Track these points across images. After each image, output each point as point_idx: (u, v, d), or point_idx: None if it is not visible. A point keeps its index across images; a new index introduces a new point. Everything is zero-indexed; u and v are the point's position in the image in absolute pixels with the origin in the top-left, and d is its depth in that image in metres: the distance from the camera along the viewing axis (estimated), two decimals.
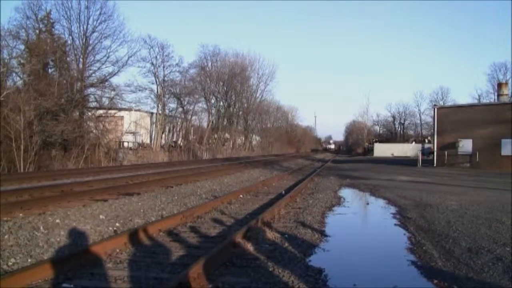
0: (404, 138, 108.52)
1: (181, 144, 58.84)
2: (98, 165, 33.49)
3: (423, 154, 47.88)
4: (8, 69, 32.58)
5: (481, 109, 40.59)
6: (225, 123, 74.99)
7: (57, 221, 9.05)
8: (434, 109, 42.23)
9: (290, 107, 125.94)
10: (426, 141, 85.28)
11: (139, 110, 53.58)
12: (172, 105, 58.86)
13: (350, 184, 20.98)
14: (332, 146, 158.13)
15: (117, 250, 6.93)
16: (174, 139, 60.35)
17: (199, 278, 5.33)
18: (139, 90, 49.49)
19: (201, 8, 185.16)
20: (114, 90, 42.39)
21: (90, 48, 41.08)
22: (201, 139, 64.60)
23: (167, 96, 56.17)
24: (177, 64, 56.74)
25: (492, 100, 75.06)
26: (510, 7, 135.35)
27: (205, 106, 68.45)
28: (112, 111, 42.99)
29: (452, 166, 37.50)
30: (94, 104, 41.80)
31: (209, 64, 72.92)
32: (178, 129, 61.95)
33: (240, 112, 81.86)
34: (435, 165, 39.58)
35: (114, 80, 63.41)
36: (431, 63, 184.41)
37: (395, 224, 10.36)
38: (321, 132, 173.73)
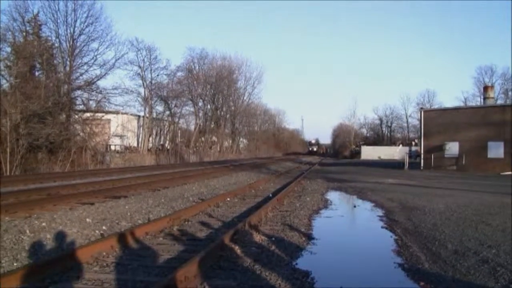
0: (391, 141, 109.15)
1: (168, 147, 58.69)
2: (85, 168, 33.25)
3: (410, 157, 48.18)
4: None
5: (467, 112, 40.94)
6: (212, 126, 74.94)
7: (43, 224, 8.98)
8: (421, 112, 42.53)
9: (277, 110, 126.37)
10: (413, 144, 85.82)
11: (126, 113, 53.38)
12: (160, 108, 58.86)
13: (337, 187, 21.04)
14: (315, 148, 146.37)
15: (104, 254, 6.90)
16: (161, 142, 60.20)
17: (186, 281, 5.33)
18: (126, 93, 49.20)
19: (189, 11, 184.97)
20: (101, 93, 42.18)
21: (77, 50, 40.80)
22: (188, 142, 64.50)
23: (154, 99, 56.09)
24: (164, 67, 56.72)
25: (478, 103, 75.70)
26: (497, 11, 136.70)
27: (192, 109, 68.34)
28: (99, 114, 42.68)
29: (439, 169, 37.75)
30: (81, 107, 41.51)
31: (197, 67, 72.82)
32: (165, 132, 61.80)
33: (228, 115, 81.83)
34: (422, 167, 39.82)
35: (101, 83, 63.46)
36: (418, 66, 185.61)
37: (382, 227, 10.42)
38: (309, 135, 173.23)
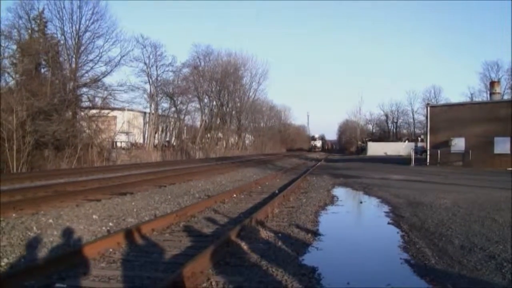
0: (397, 137, 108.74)
1: (174, 143, 58.78)
2: (91, 165, 33.38)
3: (416, 152, 48.04)
4: (0, 69, 32.46)
5: (473, 108, 40.75)
6: (218, 122, 74.95)
7: (50, 221, 9.02)
8: (427, 107, 42.34)
9: (283, 106, 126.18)
10: (419, 139, 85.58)
11: (132, 110, 53.52)
12: (165, 104, 59.00)
13: (344, 183, 21.01)
14: (319, 144, 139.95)
15: (111, 250, 6.92)
16: (167, 139, 60.29)
17: (193, 277, 5.33)
18: (132, 90, 49.38)
19: (194, 8, 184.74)
20: (107, 89, 42.37)
21: (82, 47, 41.00)
22: (194, 139, 64.53)
23: (160, 95, 56.20)
24: (170, 64, 56.88)
25: (484, 99, 75.41)
26: (502, 7, 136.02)
27: (198, 105, 68.44)
28: (105, 111, 42.83)
29: (445, 165, 37.58)
30: (87, 104, 41.71)
31: (202, 63, 72.96)
32: (171, 128, 61.91)
33: (233, 112, 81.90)
34: (428, 163, 39.68)
35: (107, 80, 63.40)
36: (424, 62, 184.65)
37: (388, 223, 10.39)
38: (315, 132, 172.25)
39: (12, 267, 6.11)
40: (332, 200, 14.54)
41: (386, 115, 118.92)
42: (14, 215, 9.74)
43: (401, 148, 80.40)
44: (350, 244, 8.51)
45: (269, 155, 65.84)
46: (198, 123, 69.47)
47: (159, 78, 55.26)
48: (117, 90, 43.81)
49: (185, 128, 64.37)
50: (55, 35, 41.27)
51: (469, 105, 44.41)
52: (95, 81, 41.56)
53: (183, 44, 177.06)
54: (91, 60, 41.87)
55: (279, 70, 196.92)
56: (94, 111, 40.85)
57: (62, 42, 40.79)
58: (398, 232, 9.14)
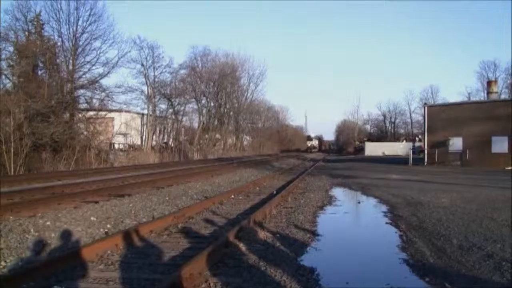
0: (395, 137, 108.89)
1: (172, 145, 58.72)
2: (89, 166, 33.26)
3: (413, 152, 48.12)
4: None
5: (471, 107, 40.84)
6: (216, 123, 74.94)
7: (48, 223, 8.98)
8: (424, 107, 42.39)
9: (281, 107, 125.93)
10: (417, 139, 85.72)
11: (129, 111, 53.41)
12: (163, 106, 59.05)
13: (342, 183, 21.02)
14: (315, 144, 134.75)
15: (109, 252, 6.91)
16: (165, 140, 60.23)
17: (191, 278, 5.32)
18: (130, 91, 49.33)
19: (191, 9, 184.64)
20: (104, 91, 42.24)
21: (80, 49, 40.85)
22: (192, 140, 64.51)
23: (157, 97, 56.17)
24: (167, 65, 56.86)
25: (482, 98, 75.51)
26: (499, 6, 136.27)
27: (195, 106, 68.49)
28: (103, 113, 42.65)
29: (443, 164, 37.66)
30: (84, 105, 41.53)
31: (200, 64, 72.87)
32: (169, 130, 61.85)
33: (231, 113, 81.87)
34: (425, 163, 39.73)
35: (104, 82, 63.22)
36: (421, 62, 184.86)
37: (386, 223, 10.40)
38: (313, 132, 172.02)
39: (10, 270, 6.09)
40: (330, 200, 14.55)
41: (384, 115, 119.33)
42: (11, 217, 9.69)
43: (398, 148, 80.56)
44: (348, 244, 8.52)
45: (267, 156, 65.81)
46: (196, 124, 69.61)
47: (156, 80, 55.34)
48: (115, 92, 43.77)
49: (183, 129, 64.30)
50: (52, 37, 41.11)
51: (466, 105, 44.55)
52: (93, 83, 41.43)
53: (180, 45, 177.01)
54: (88, 62, 41.74)
55: (277, 70, 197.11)
56: (91, 113, 40.70)
57: (59, 44, 40.65)
58: (396, 232, 9.15)
